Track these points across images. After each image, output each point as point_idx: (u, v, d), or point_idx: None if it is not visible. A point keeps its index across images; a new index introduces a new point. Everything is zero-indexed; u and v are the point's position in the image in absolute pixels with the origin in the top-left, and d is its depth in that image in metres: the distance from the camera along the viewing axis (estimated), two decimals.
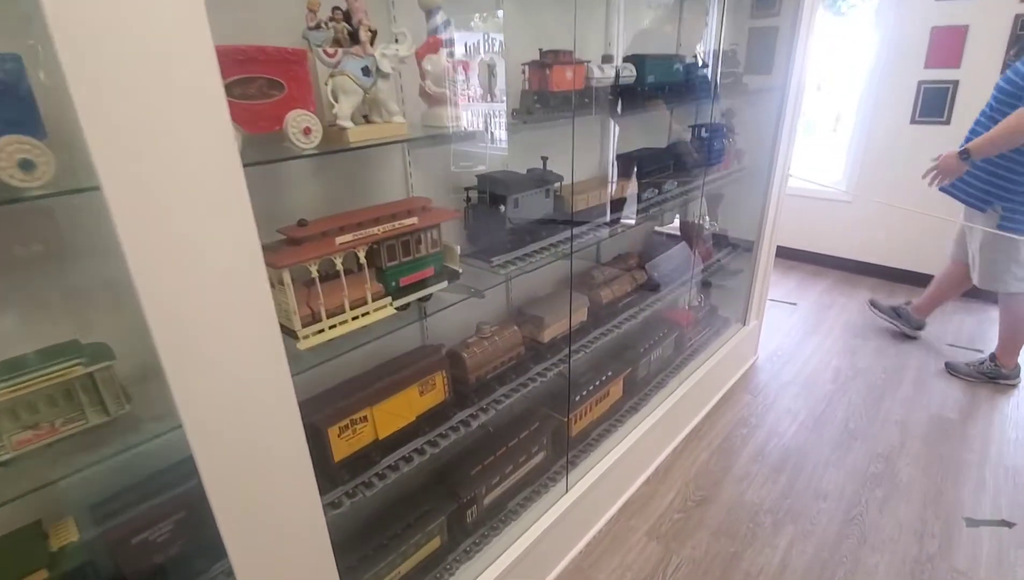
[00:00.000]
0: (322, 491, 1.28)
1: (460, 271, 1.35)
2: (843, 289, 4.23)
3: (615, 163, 2.05)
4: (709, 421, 2.71)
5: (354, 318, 1.16)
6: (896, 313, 3.51)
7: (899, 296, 4.03)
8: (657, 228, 2.63)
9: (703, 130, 2.41)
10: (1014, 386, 2.94)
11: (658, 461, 2.43)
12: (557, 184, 1.64)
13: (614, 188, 1.91)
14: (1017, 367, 2.97)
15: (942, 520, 2.09)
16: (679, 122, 2.45)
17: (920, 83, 3.77)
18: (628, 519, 2.14)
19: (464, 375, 1.56)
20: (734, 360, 3.03)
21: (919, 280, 4.10)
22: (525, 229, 1.56)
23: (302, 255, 1.04)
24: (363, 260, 1.13)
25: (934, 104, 3.75)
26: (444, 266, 1.33)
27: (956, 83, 3.63)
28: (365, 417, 1.32)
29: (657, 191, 2.06)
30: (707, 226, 2.67)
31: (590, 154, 2.13)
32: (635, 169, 1.98)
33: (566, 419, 1.94)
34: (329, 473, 1.28)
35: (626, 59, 1.86)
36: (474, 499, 1.66)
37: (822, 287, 4.27)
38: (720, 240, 2.85)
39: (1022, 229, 2.60)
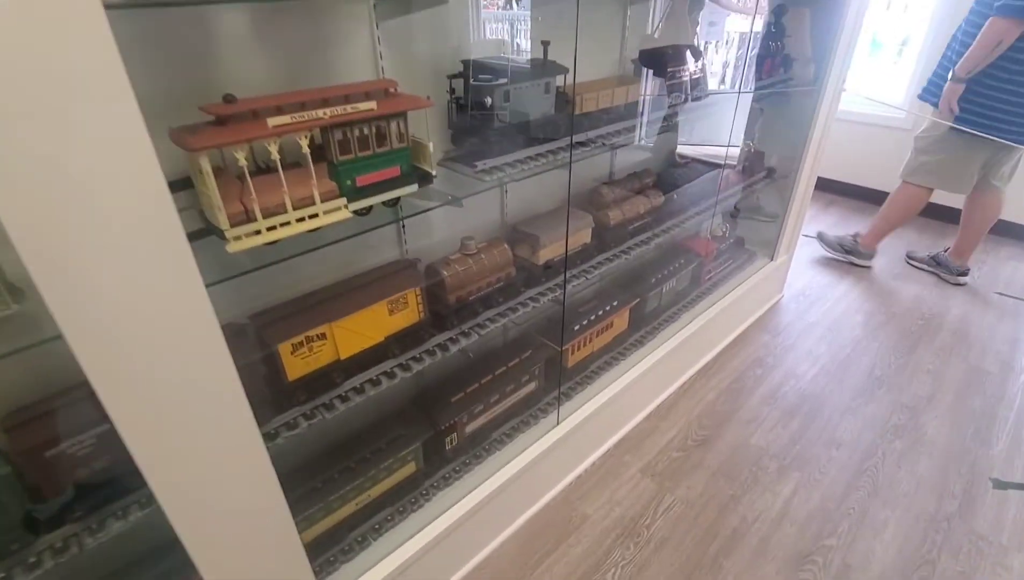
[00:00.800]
0: (276, 411, 1.19)
1: (434, 174, 1.16)
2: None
3: (638, 60, 1.76)
4: (721, 360, 2.55)
5: (299, 220, 0.99)
6: (936, 261, 3.29)
7: (951, 233, 3.68)
8: (682, 145, 2.34)
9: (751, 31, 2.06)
10: (866, 268, 3.35)
11: (661, 397, 2.30)
12: (560, 77, 1.39)
13: (633, 90, 1.64)
14: (873, 251, 3.35)
15: (965, 479, 1.93)
16: (716, 20, 2.10)
17: None
18: (623, 454, 2.04)
19: (443, 295, 1.40)
20: (756, 297, 2.81)
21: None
22: (519, 130, 1.34)
23: (224, 137, 0.85)
24: (306, 149, 0.94)
25: None
26: (414, 166, 1.14)
27: None
28: (323, 334, 1.18)
29: (683, 97, 1.77)
30: (740, 146, 2.36)
31: (607, 48, 1.83)
32: (662, 68, 1.69)
33: (561, 350, 1.80)
34: (283, 392, 1.16)
35: None
36: (454, 427, 1.56)
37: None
38: (754, 163, 2.54)
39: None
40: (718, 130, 2.25)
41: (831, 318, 2.86)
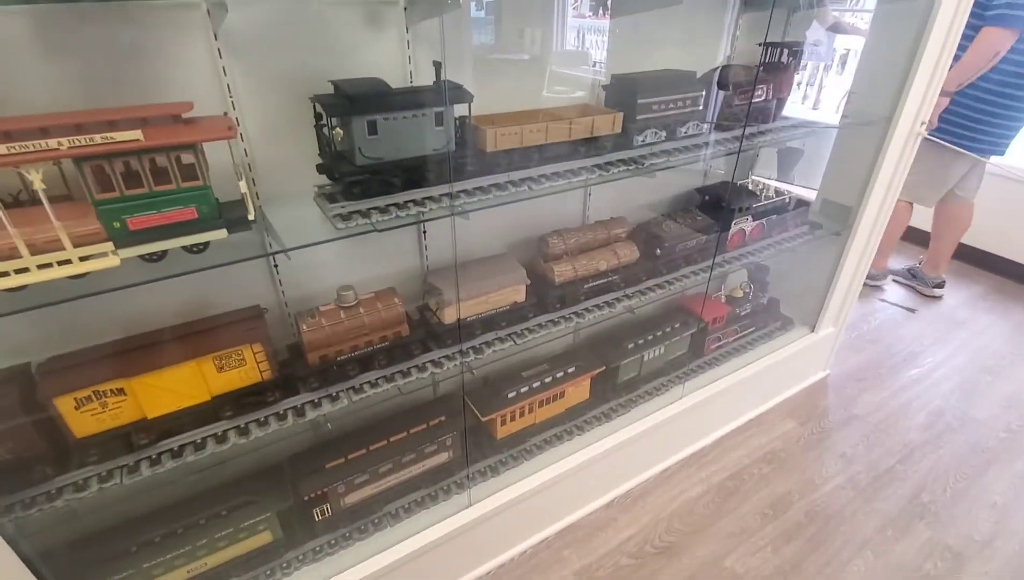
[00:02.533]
0: (58, 470, 1.04)
1: (251, 218, 0.95)
2: (995, 301, 3.13)
3: (607, 87, 1.45)
4: (723, 446, 2.12)
5: (43, 267, 0.82)
6: (911, 274, 3.25)
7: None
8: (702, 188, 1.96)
9: (781, 52, 1.66)
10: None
11: (630, 484, 1.93)
12: (463, 107, 1.13)
13: (603, 122, 1.33)
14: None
15: None
16: (744, 37, 1.71)
17: None
18: (563, 547, 1.73)
19: (303, 352, 1.19)
20: (786, 374, 2.34)
21: None
22: (398, 168, 1.09)
23: None
24: (38, 186, 0.77)
25: None
26: (219, 207, 0.93)
27: None
28: (121, 390, 1.01)
29: (665, 135, 1.43)
30: (766, 193, 1.93)
31: (569, 64, 1.53)
32: (634, 100, 1.37)
33: (482, 419, 1.53)
34: (67, 450, 1.01)
35: None
36: (325, 496, 1.35)
37: (966, 294, 3.21)
38: (797, 212, 2.09)
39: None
40: (743, 170, 1.85)
41: (885, 411, 2.31)
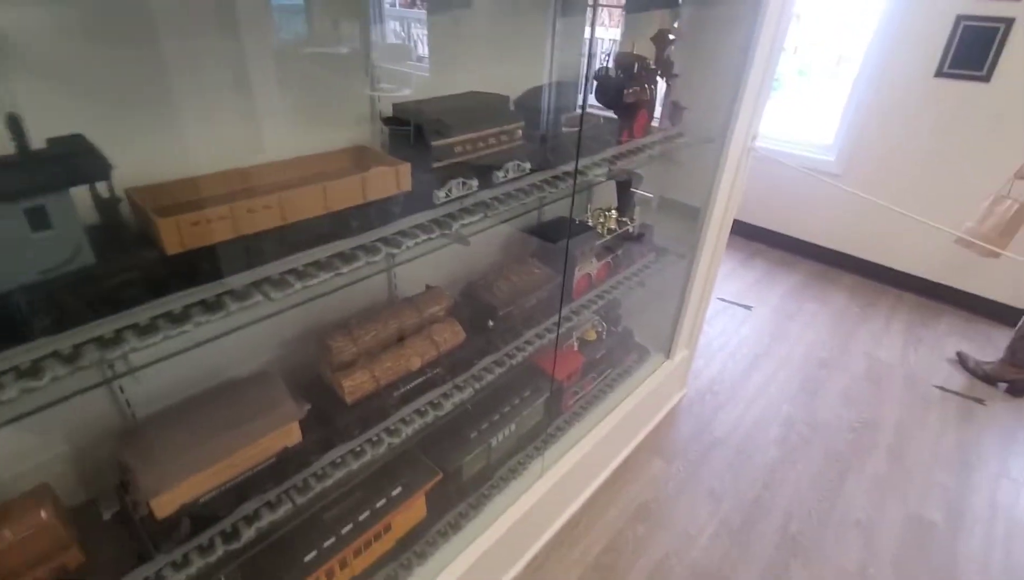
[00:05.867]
0: None
1: None
2: (815, 289, 3.33)
3: (389, 121, 1.03)
4: (592, 511, 1.86)
5: None
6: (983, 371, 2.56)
7: (886, 302, 3.17)
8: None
9: (605, 68, 1.37)
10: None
11: None
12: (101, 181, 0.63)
13: (365, 184, 0.90)
14: None
15: None
16: (563, 44, 1.39)
17: (959, 19, 2.69)
18: None
19: None
20: (648, 408, 2.15)
21: (919, 286, 3.23)
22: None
23: None
24: None
25: (973, 51, 2.70)
26: None
27: (1011, 22, 2.57)
28: None
29: (477, 183, 1.05)
30: (607, 224, 1.67)
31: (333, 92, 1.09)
32: (427, 141, 0.96)
33: None
34: None
35: None
36: None
37: (789, 284, 3.37)
38: (641, 242, 1.87)
39: None
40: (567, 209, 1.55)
41: (742, 429, 2.24)
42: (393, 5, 1.20)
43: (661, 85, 1.62)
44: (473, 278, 1.42)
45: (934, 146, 2.95)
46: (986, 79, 2.71)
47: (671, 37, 1.52)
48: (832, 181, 2.71)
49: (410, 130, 0.99)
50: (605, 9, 1.79)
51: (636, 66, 1.40)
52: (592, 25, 1.27)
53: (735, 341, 2.81)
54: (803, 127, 3.72)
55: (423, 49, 1.13)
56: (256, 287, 0.78)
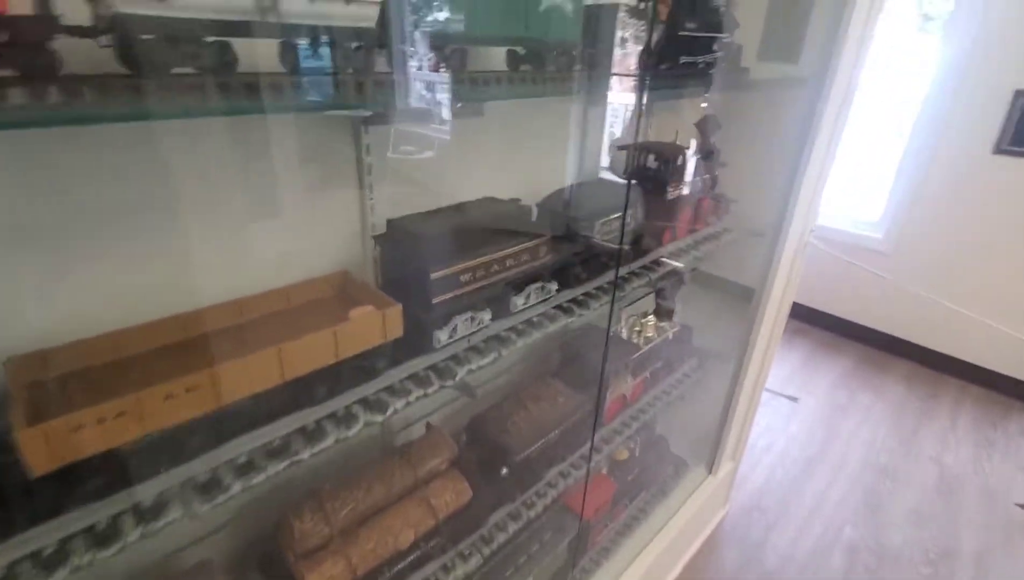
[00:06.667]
0: None
1: None
2: (867, 377, 3.01)
3: (380, 240, 0.83)
4: None
5: None
6: None
7: (948, 394, 2.83)
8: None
9: (649, 157, 1.17)
10: None
11: None
12: None
13: (338, 341, 0.69)
14: None
15: None
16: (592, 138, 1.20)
17: (1019, 94, 2.49)
18: None
19: None
20: (687, 533, 1.84)
21: (985, 378, 2.89)
22: None
23: None
24: None
25: None
26: None
27: None
28: None
29: (490, 315, 0.84)
30: (644, 332, 1.43)
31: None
32: (424, 273, 0.75)
33: None
34: None
35: None
36: None
37: (838, 371, 3.05)
38: (680, 344, 1.63)
39: None
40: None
41: (798, 560, 1.90)
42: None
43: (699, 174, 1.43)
44: (483, 406, 1.18)
45: (996, 227, 2.68)
46: None
47: (718, 123, 1.33)
48: (877, 267, 2.46)
49: (406, 254, 0.78)
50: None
51: (681, 158, 1.20)
52: (636, 124, 1.07)
53: (782, 441, 2.49)
54: (849, 200, 3.49)
55: (430, 151, 0.95)
56: (174, 497, 0.56)
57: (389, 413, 0.72)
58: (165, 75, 0.50)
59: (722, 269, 1.78)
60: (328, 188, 0.86)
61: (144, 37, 0.48)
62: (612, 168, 1.28)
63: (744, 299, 1.62)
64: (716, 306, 1.83)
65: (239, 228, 0.77)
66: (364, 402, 0.71)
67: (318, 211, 0.87)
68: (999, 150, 2.60)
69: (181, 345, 0.64)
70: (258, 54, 0.57)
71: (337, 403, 0.69)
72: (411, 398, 0.74)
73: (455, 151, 0.97)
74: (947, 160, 2.74)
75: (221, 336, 0.66)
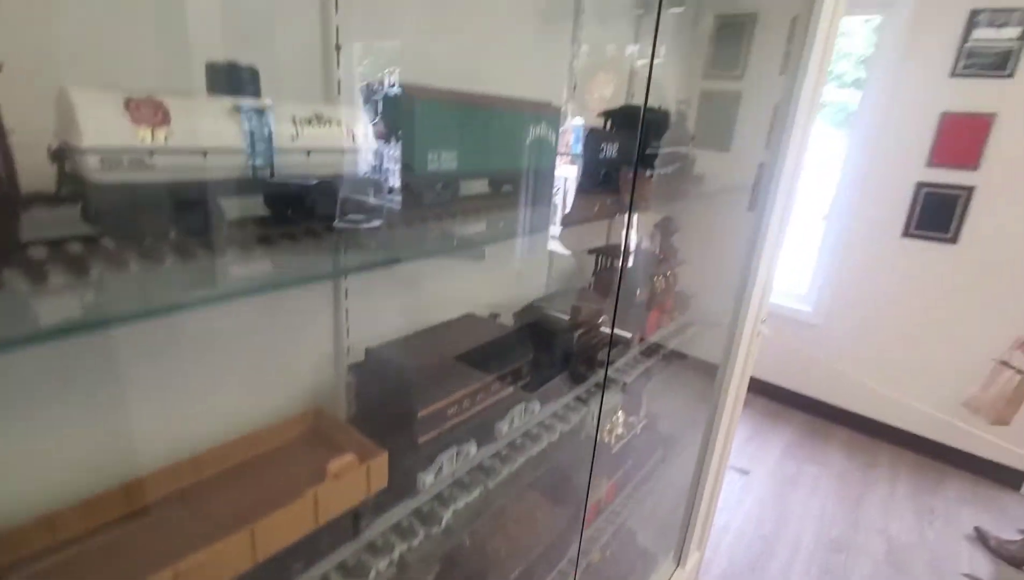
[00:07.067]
0: None
1: None
2: (811, 447, 3.11)
3: (356, 370, 0.77)
4: None
5: None
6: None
7: (884, 461, 2.96)
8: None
9: (610, 260, 1.19)
10: None
11: None
12: None
13: (318, 503, 0.61)
14: None
15: None
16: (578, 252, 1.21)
17: (920, 186, 2.80)
18: None
19: None
20: None
21: (916, 444, 3.06)
22: None
23: None
24: None
25: (937, 215, 2.78)
26: None
27: (971, 190, 2.67)
28: None
29: (475, 446, 0.78)
30: (615, 430, 1.41)
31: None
32: (410, 412, 0.70)
33: None
34: None
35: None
36: None
37: (784, 442, 3.14)
38: (648, 433, 1.61)
39: None
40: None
41: None
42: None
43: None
44: (459, 533, 1.09)
45: (910, 303, 2.93)
46: (953, 241, 2.76)
47: (674, 226, 1.38)
48: (807, 338, 2.60)
49: (387, 388, 0.73)
50: None
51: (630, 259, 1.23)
52: (623, 252, 1.09)
53: (739, 519, 2.49)
54: (781, 274, 3.72)
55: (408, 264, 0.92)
56: None
57: (371, 576, 0.64)
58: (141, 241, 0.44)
59: (683, 347, 1.81)
60: (298, 312, 0.80)
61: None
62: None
63: (702, 372, 1.65)
64: (675, 379, 1.84)
65: (192, 363, 0.69)
66: (343, 567, 0.63)
67: (287, 334, 0.80)
68: (907, 234, 2.88)
69: (129, 529, 0.54)
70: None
71: (311, 575, 0.60)
72: (394, 555, 0.67)
73: (434, 267, 0.94)
74: (861, 242, 3.01)
75: (179, 508, 0.57)
